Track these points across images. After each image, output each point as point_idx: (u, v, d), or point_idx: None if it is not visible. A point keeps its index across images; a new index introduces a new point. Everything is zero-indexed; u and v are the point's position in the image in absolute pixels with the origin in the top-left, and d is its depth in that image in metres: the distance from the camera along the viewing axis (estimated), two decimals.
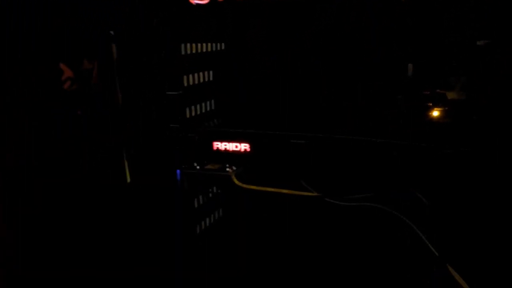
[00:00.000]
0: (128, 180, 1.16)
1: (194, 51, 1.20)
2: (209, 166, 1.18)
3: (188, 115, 1.21)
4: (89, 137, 1.18)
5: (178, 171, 1.20)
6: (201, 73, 1.24)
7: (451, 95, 1.15)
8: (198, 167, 1.18)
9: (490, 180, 0.95)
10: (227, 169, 1.15)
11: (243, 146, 1.10)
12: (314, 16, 1.11)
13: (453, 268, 1.00)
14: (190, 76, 1.20)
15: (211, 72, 1.29)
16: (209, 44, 1.24)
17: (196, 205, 1.28)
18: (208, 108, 1.29)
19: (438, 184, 1.03)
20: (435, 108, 1.15)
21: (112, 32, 1.03)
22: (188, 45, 1.15)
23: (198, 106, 1.25)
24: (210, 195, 1.34)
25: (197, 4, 0.97)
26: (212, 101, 1.30)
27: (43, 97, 1.18)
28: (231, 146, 1.12)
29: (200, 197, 1.30)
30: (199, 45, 1.20)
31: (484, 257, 0.99)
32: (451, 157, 0.95)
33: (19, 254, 1.21)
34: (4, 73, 1.13)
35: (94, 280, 1.20)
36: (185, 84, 1.18)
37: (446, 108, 1.14)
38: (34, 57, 1.15)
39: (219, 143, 1.13)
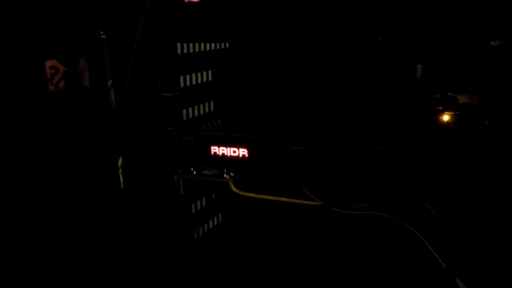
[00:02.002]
0: (122, 186, 1.11)
1: (191, 51, 1.14)
2: (206, 171, 1.13)
3: (185, 117, 1.15)
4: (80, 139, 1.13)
5: (175, 176, 1.15)
6: (199, 73, 1.19)
7: (462, 98, 1.09)
8: (195, 172, 1.13)
9: (501, 191, 0.89)
10: (225, 175, 1.09)
11: (242, 152, 1.05)
12: (315, 14, 1.05)
13: (461, 281, 0.95)
14: (188, 76, 1.15)
15: (209, 72, 1.23)
16: (208, 43, 1.18)
17: (193, 211, 1.23)
18: (207, 110, 1.24)
19: (447, 195, 0.97)
20: (446, 112, 1.09)
21: (102, 32, 0.97)
22: (185, 44, 1.09)
23: (196, 108, 1.19)
24: (209, 199, 1.29)
25: (189, 1, 0.91)
26: (212, 102, 1.25)
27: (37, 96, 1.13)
28: (229, 151, 1.06)
29: (198, 202, 1.25)
30: (196, 44, 1.14)
31: (495, 272, 0.94)
32: (459, 167, 0.89)
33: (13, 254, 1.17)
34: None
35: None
36: (182, 85, 1.13)
37: (457, 112, 1.08)
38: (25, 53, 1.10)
39: (216, 147, 1.08)
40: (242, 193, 1.06)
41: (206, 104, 1.23)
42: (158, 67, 1.04)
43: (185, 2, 0.91)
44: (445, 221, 0.99)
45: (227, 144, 1.06)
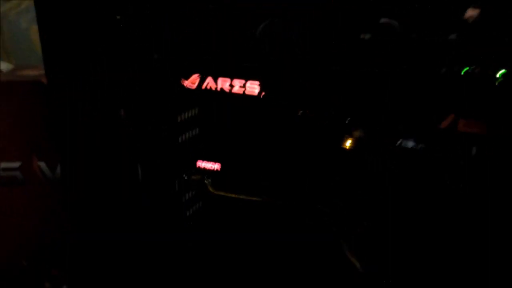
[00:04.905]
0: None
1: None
2: (193, 177, 1.76)
3: (179, 141, 1.77)
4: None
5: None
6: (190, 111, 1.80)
7: None
8: (186, 178, 1.75)
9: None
10: (205, 180, 1.72)
11: (216, 166, 1.68)
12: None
13: None
14: (183, 113, 1.76)
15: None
16: None
17: (183, 200, 1.87)
18: (193, 134, 1.85)
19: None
20: None
21: None
22: None
23: (187, 134, 1.81)
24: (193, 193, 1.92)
25: (188, 88, 1.51)
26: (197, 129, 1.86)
27: None
28: (208, 165, 1.69)
29: (187, 195, 1.89)
30: None
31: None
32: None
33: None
34: None
35: None
36: (178, 120, 1.74)
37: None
38: None
39: (200, 162, 1.71)
40: (216, 191, 1.69)
41: (194, 131, 1.85)
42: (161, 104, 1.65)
43: (184, 86, 1.51)
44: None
45: (207, 161, 1.69)
